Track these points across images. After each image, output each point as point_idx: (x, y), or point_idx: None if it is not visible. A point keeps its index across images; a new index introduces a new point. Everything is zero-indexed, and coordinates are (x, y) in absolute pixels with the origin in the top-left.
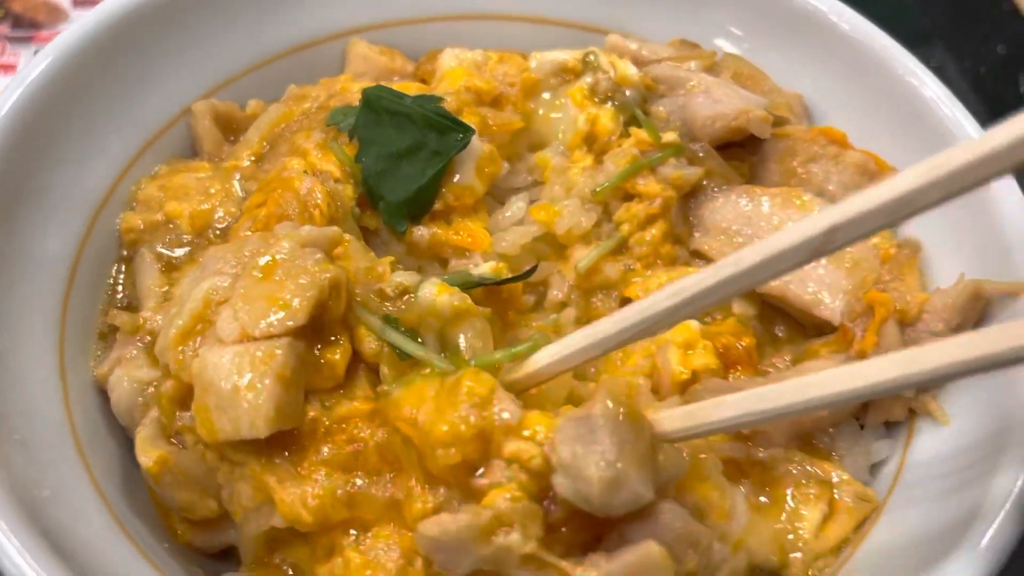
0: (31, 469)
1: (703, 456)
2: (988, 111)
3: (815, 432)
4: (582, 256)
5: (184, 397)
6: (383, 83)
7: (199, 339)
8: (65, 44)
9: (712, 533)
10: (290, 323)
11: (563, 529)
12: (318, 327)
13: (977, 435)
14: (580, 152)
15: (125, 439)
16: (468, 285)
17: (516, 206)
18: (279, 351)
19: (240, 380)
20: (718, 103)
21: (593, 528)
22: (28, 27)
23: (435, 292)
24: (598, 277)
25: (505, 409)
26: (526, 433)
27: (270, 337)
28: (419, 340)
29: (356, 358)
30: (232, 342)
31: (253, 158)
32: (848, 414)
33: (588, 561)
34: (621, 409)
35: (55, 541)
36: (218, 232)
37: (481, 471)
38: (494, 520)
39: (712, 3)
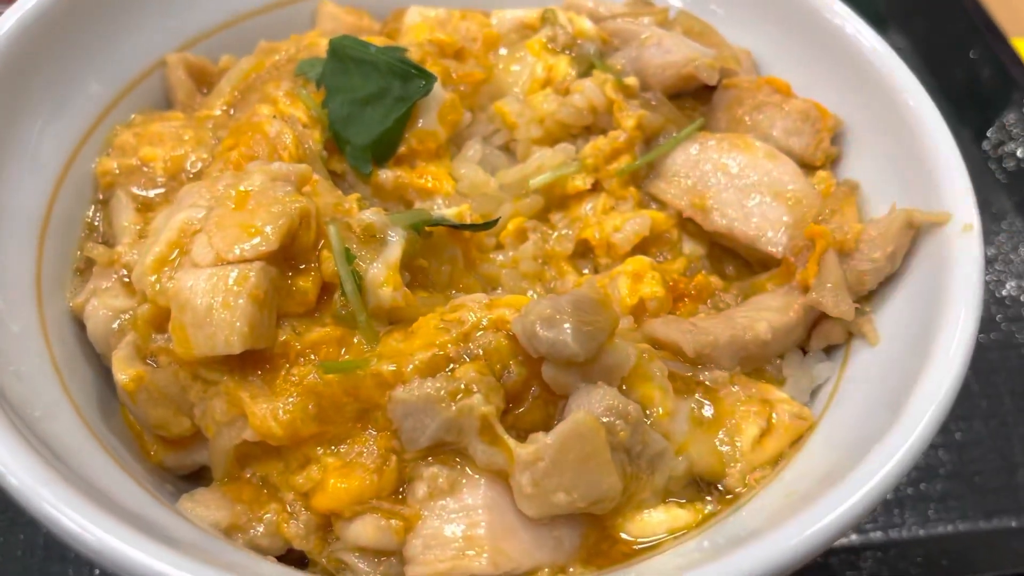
0: (24, 393)
1: (649, 358)
2: (940, 89)
3: (762, 360)
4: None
5: (159, 320)
6: None
7: (175, 265)
8: None
9: (642, 410)
10: (263, 248)
11: (518, 411)
12: (289, 255)
13: (904, 352)
14: (539, 95)
15: (101, 367)
16: (427, 223)
17: (474, 148)
18: (252, 274)
19: (215, 299)
20: (668, 53)
21: (546, 406)
22: None
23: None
24: (557, 204)
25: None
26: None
27: (244, 261)
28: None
29: (325, 288)
30: (207, 265)
31: (225, 107)
32: (792, 343)
33: (529, 439)
34: (589, 292)
35: (47, 454)
36: (191, 176)
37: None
38: (460, 387)
39: None
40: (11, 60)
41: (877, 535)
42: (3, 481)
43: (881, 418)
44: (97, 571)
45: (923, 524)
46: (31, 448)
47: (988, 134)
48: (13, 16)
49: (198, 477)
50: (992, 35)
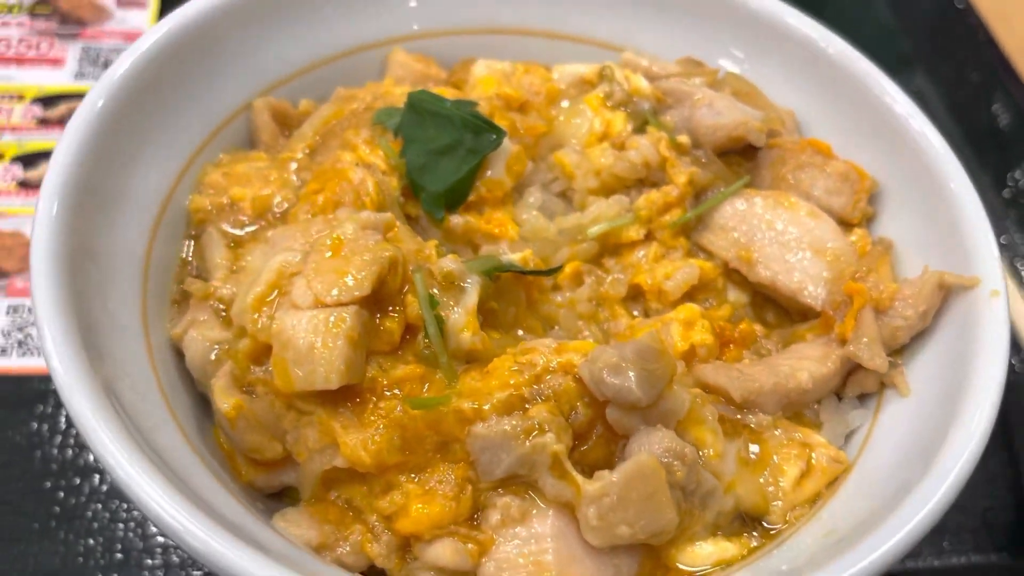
0: (138, 404)
1: (701, 403)
2: (963, 134)
3: (802, 406)
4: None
5: (258, 354)
6: (420, 88)
7: (274, 305)
8: (148, 42)
9: (696, 451)
10: (357, 293)
11: (583, 448)
12: (378, 299)
13: (935, 404)
14: (596, 149)
15: (196, 392)
16: (498, 269)
17: (534, 196)
18: (348, 316)
19: (316, 339)
20: (720, 115)
21: (607, 444)
22: (74, 24)
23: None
24: (611, 251)
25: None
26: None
27: (340, 304)
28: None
29: (408, 328)
30: (307, 307)
31: (307, 151)
32: (829, 391)
33: (596, 475)
34: (651, 342)
35: (158, 461)
36: (277, 215)
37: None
38: (534, 425)
39: (716, 26)
40: (124, 104)
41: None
42: (116, 476)
43: (914, 467)
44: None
45: (938, 555)
46: (143, 451)
47: (1008, 178)
48: (127, 60)
49: (280, 496)
50: (1013, 81)
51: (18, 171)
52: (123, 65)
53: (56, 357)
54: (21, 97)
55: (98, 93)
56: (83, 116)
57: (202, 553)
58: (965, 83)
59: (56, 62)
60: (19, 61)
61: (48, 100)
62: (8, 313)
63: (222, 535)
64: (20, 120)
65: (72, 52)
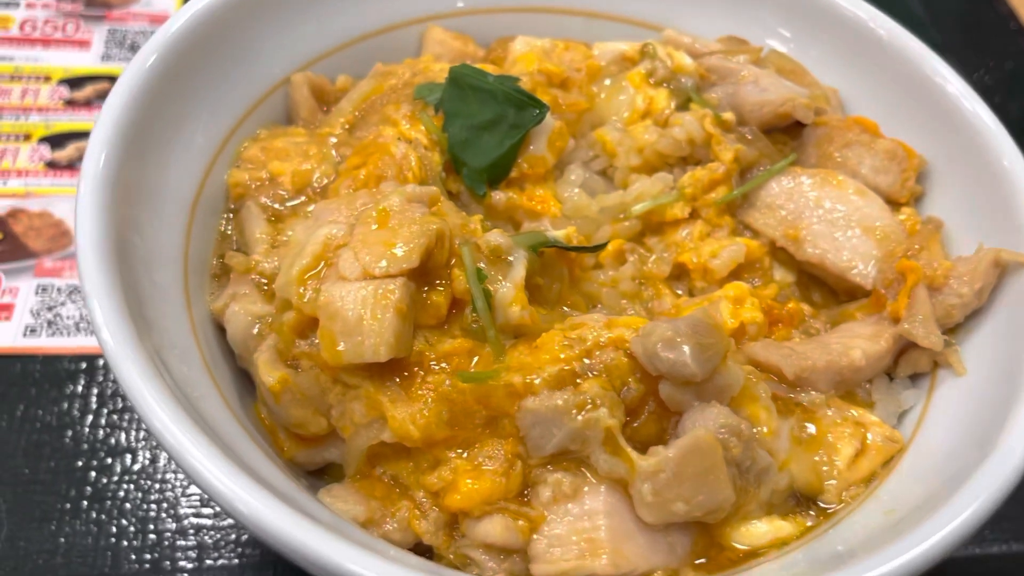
0: (186, 374)
1: (755, 380)
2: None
3: (854, 384)
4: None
5: (303, 327)
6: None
7: (320, 277)
8: (189, 14)
9: (752, 428)
10: (405, 265)
11: (634, 424)
12: (425, 271)
13: (991, 384)
14: (639, 126)
15: (236, 366)
16: (544, 244)
17: (576, 173)
18: (396, 288)
19: (365, 311)
20: (766, 91)
21: (659, 421)
22: (100, 6)
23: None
24: (654, 229)
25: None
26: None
27: (388, 276)
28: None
29: (455, 302)
30: (355, 279)
31: (346, 126)
32: (881, 370)
33: (650, 451)
34: (705, 317)
35: (206, 428)
36: (317, 190)
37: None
38: (586, 400)
39: (762, 5)
40: (164, 80)
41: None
42: (162, 439)
43: (972, 450)
44: (207, 557)
45: (979, 543)
46: (191, 417)
47: None
48: (174, 25)
49: (321, 473)
50: None
51: (45, 151)
52: (163, 37)
53: (106, 329)
54: (48, 78)
55: (139, 66)
56: (122, 91)
57: (253, 520)
58: (997, 72)
59: (82, 44)
60: (45, 43)
61: (75, 82)
62: (37, 293)
63: (274, 503)
64: (47, 101)
65: (98, 34)
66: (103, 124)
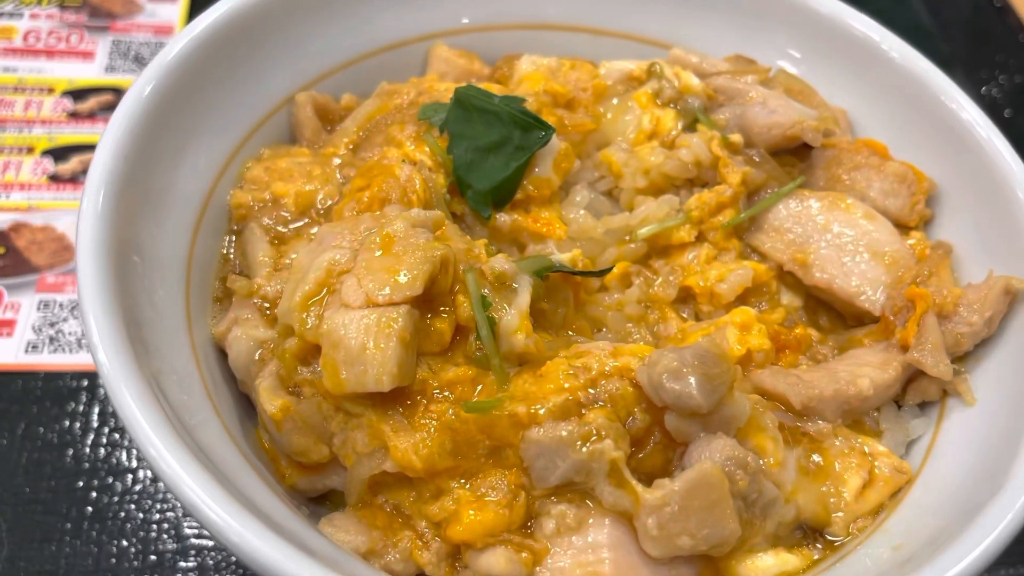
0: (184, 401)
1: (762, 410)
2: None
3: (861, 413)
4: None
5: (306, 354)
6: (464, 83)
7: (323, 304)
8: (189, 37)
9: (758, 460)
10: (409, 292)
11: (639, 455)
12: (429, 298)
13: (1002, 414)
14: (645, 147)
15: (238, 391)
16: (549, 269)
17: (581, 195)
18: (400, 316)
19: (368, 340)
20: (774, 113)
21: (665, 451)
22: (104, 17)
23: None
24: (660, 252)
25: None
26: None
27: (392, 304)
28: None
29: (458, 329)
30: (358, 307)
31: (350, 146)
32: (889, 398)
33: (655, 484)
34: (711, 346)
35: (203, 457)
36: (321, 212)
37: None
38: (591, 431)
39: (770, 25)
40: (169, 94)
41: None
42: (156, 468)
43: (983, 482)
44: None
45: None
46: (186, 445)
47: None
48: (171, 53)
49: (323, 499)
50: None
51: (49, 165)
52: (167, 57)
53: (102, 350)
54: (51, 90)
55: (143, 85)
56: (127, 109)
57: (246, 553)
58: (1006, 85)
59: (86, 55)
60: (49, 54)
61: (78, 93)
62: (39, 308)
63: (269, 535)
64: (50, 113)
65: (102, 45)
66: (104, 148)
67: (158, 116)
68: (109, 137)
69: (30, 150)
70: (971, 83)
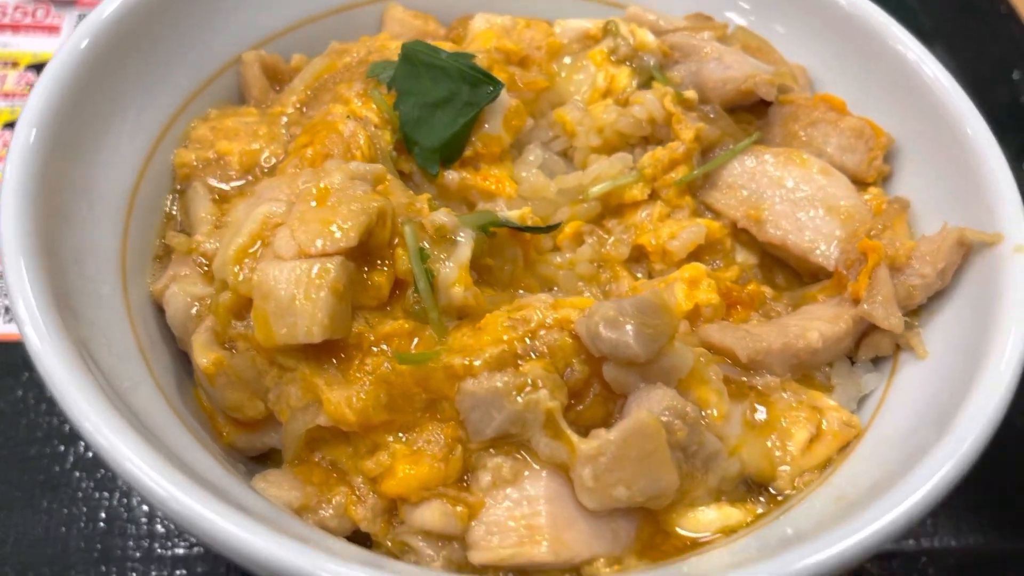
0: (115, 365)
1: (706, 362)
2: (984, 110)
3: (812, 368)
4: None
5: (239, 308)
6: None
7: (256, 256)
8: None
9: (699, 411)
10: (343, 243)
11: (579, 408)
12: (365, 251)
13: (953, 366)
14: (599, 105)
15: (177, 350)
16: (494, 224)
17: (534, 153)
18: (333, 267)
19: (298, 291)
20: (729, 68)
21: (605, 404)
22: None
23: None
24: (613, 211)
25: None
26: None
27: (325, 255)
28: None
29: (397, 283)
30: (290, 258)
31: (298, 105)
32: (841, 352)
33: (592, 434)
34: (652, 297)
35: (135, 422)
36: (265, 170)
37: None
38: (527, 382)
39: None
40: (106, 50)
41: (909, 544)
42: (92, 441)
43: (929, 431)
44: (157, 546)
45: (955, 535)
46: (121, 414)
47: None
48: (109, 7)
49: (264, 459)
50: None
51: (10, 137)
52: (108, 8)
53: (29, 323)
54: (15, 64)
55: (80, 37)
56: (61, 63)
57: (181, 516)
58: (985, 58)
59: (51, 29)
60: (14, 28)
61: (42, 67)
62: None
63: (201, 496)
64: (14, 87)
65: (68, 20)
66: (31, 108)
67: (93, 72)
68: (34, 102)
69: None
70: (952, 57)
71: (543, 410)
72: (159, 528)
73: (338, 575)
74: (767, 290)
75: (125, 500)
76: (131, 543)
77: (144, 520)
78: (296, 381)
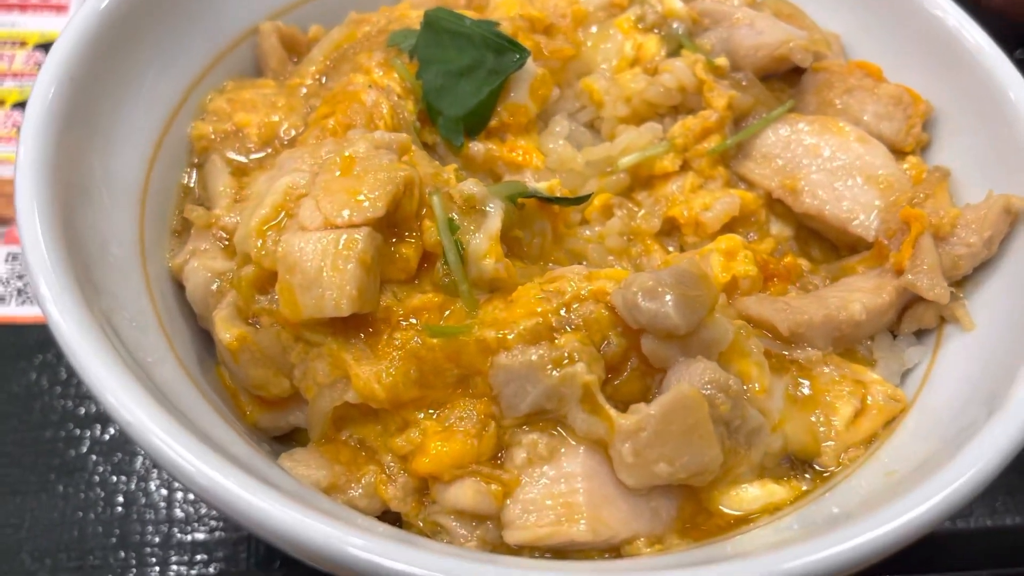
0: (138, 340)
1: (746, 335)
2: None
3: (854, 341)
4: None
5: (263, 282)
6: None
7: (280, 228)
8: None
9: (741, 384)
10: (370, 213)
11: (615, 382)
12: (392, 223)
13: (1001, 339)
14: (627, 74)
15: (197, 327)
16: (523, 195)
17: (561, 125)
18: (360, 238)
19: (325, 262)
20: (761, 34)
21: (643, 378)
22: None
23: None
24: (643, 183)
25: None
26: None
27: (352, 226)
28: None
29: (425, 256)
30: (315, 229)
31: (317, 76)
32: (884, 325)
33: (631, 409)
34: (690, 267)
35: (160, 397)
36: (285, 143)
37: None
38: (563, 355)
39: None
40: (119, 25)
41: (945, 524)
42: (117, 416)
43: (980, 407)
44: (177, 531)
45: (991, 515)
46: (146, 388)
47: None
48: None
49: (288, 439)
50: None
51: (19, 118)
52: None
53: (51, 300)
54: (23, 43)
55: (91, 9)
56: (74, 35)
57: (208, 491)
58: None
59: (59, 8)
60: (22, 7)
61: (50, 46)
62: (7, 261)
63: (229, 471)
64: (22, 66)
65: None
66: (43, 83)
67: (108, 45)
68: (51, 66)
69: (1, 103)
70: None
71: (580, 384)
72: (178, 513)
73: (368, 550)
74: (804, 263)
75: (143, 484)
76: (150, 528)
77: (163, 505)
78: (323, 357)
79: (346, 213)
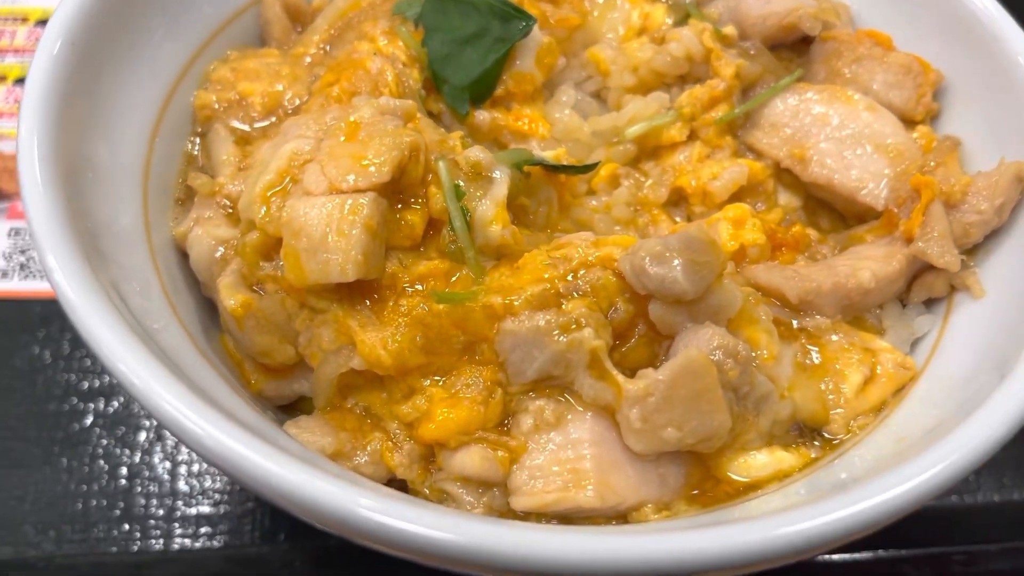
0: (144, 307)
1: (755, 302)
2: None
3: (863, 309)
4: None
5: (267, 248)
6: None
7: (284, 194)
8: None
9: (750, 350)
10: (375, 179)
11: (623, 349)
12: (398, 189)
13: (1012, 307)
14: (634, 43)
15: (201, 296)
16: (529, 162)
17: (567, 94)
18: (366, 204)
19: (330, 227)
20: (770, 2)
21: (650, 345)
22: None
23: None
24: (650, 153)
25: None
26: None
27: (357, 191)
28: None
29: (431, 223)
30: (320, 194)
31: (321, 45)
32: (893, 294)
33: (639, 374)
34: (698, 232)
35: (168, 363)
36: (289, 111)
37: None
38: (570, 321)
39: None
40: None
41: (952, 499)
42: (126, 381)
43: (990, 374)
44: (181, 503)
45: (998, 490)
46: (154, 354)
47: None
48: None
49: (292, 408)
50: None
51: (21, 93)
52: None
53: (58, 271)
54: (25, 19)
55: None
56: (76, 1)
57: (217, 454)
58: None
59: None
60: None
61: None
62: (10, 236)
63: (238, 434)
64: (24, 42)
65: None
66: (49, 38)
67: (109, 13)
68: (52, 32)
69: (3, 79)
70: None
71: (587, 350)
72: (182, 486)
73: (376, 510)
74: (812, 232)
75: (147, 458)
76: (154, 501)
77: (167, 478)
78: (328, 323)
79: (351, 178)
